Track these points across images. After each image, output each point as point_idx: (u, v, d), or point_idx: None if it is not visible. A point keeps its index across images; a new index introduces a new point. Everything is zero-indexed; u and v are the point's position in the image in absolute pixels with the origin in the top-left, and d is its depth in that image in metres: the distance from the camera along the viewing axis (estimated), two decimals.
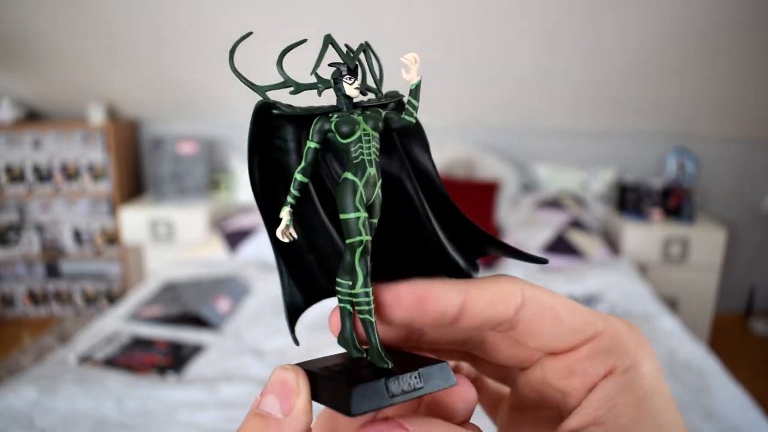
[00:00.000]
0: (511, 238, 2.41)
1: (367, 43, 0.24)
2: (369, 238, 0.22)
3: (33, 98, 2.89)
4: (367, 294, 0.22)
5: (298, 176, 0.23)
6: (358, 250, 0.22)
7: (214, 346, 1.62)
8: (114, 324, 1.73)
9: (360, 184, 0.22)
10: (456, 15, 2.17)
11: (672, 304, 2.52)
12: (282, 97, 0.24)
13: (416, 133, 0.25)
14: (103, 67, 2.61)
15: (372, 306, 0.23)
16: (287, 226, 0.23)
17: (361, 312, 0.23)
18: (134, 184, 3.02)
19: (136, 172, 3.04)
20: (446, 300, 0.22)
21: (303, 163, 0.23)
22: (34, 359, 2.37)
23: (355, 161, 0.22)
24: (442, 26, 2.25)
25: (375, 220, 0.23)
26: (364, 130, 0.23)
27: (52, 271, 2.96)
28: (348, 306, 0.23)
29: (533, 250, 2.33)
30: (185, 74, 2.64)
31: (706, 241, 2.50)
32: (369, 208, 0.23)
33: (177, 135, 2.93)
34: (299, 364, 0.23)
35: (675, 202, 2.62)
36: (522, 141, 2.88)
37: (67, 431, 1.23)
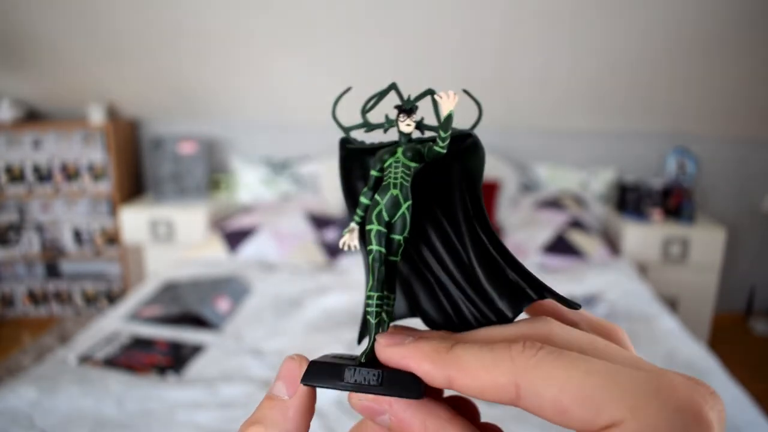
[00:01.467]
0: (511, 238, 2.41)
1: (431, 90, 0.27)
2: (381, 249, 0.25)
3: (33, 98, 2.89)
4: (371, 297, 0.25)
5: (362, 198, 0.27)
6: (371, 257, 0.25)
7: (214, 346, 1.62)
8: (114, 324, 1.73)
9: (382, 203, 0.26)
10: (455, 15, 2.17)
11: (672, 304, 2.52)
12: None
13: (472, 159, 0.27)
14: (103, 67, 2.61)
15: (375, 309, 0.25)
16: (349, 238, 0.27)
17: (366, 312, 0.25)
18: (134, 184, 3.02)
19: (136, 172, 3.04)
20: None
21: (366, 188, 0.27)
22: (34, 359, 2.37)
23: (384, 183, 0.26)
24: (442, 26, 2.24)
25: (399, 237, 0.26)
26: (396, 158, 0.26)
27: (52, 271, 2.96)
28: (369, 317, 0.25)
29: (533, 250, 2.33)
30: (185, 74, 2.64)
31: (706, 241, 2.50)
32: (392, 225, 0.26)
33: (177, 135, 2.93)
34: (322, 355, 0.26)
35: (675, 202, 2.62)
36: (522, 141, 2.88)
37: (67, 431, 1.23)
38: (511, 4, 2.10)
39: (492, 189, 2.62)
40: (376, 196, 0.26)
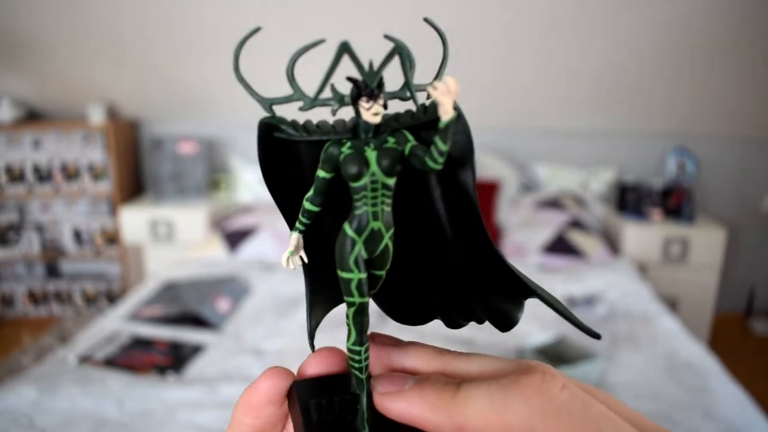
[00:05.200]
0: (511, 238, 2.41)
1: (399, 47, 0.20)
2: (365, 300, 0.21)
3: (33, 98, 2.89)
4: (358, 352, 0.21)
5: (307, 204, 0.21)
6: (352, 310, 0.21)
7: (214, 346, 1.62)
8: (114, 324, 1.73)
9: (359, 241, 0.20)
10: (456, 17, 2.17)
11: (672, 304, 2.52)
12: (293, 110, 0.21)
13: (465, 159, 0.20)
14: (103, 67, 2.61)
15: (362, 364, 0.21)
16: (292, 253, 0.22)
17: (351, 367, 0.22)
18: (134, 184, 3.02)
19: (136, 172, 3.04)
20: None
21: (312, 192, 0.21)
22: (34, 359, 2.37)
23: (356, 211, 0.20)
24: (442, 28, 2.24)
25: (382, 272, 0.21)
26: (372, 174, 0.19)
27: (52, 271, 2.96)
28: (358, 373, 0.22)
29: (533, 250, 2.33)
30: (185, 74, 2.64)
31: (706, 241, 2.50)
32: (372, 261, 0.20)
33: (177, 135, 2.93)
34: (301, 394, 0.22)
35: (675, 202, 2.61)
36: (522, 141, 2.88)
37: (67, 431, 1.23)
38: (510, 5, 2.10)
39: (492, 189, 2.62)
40: (348, 230, 0.20)
